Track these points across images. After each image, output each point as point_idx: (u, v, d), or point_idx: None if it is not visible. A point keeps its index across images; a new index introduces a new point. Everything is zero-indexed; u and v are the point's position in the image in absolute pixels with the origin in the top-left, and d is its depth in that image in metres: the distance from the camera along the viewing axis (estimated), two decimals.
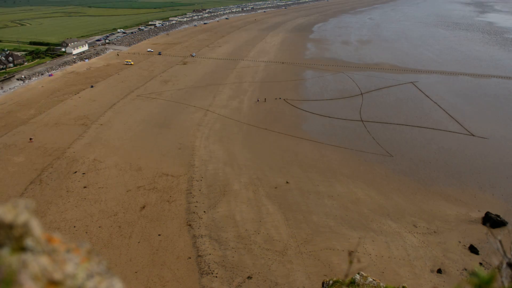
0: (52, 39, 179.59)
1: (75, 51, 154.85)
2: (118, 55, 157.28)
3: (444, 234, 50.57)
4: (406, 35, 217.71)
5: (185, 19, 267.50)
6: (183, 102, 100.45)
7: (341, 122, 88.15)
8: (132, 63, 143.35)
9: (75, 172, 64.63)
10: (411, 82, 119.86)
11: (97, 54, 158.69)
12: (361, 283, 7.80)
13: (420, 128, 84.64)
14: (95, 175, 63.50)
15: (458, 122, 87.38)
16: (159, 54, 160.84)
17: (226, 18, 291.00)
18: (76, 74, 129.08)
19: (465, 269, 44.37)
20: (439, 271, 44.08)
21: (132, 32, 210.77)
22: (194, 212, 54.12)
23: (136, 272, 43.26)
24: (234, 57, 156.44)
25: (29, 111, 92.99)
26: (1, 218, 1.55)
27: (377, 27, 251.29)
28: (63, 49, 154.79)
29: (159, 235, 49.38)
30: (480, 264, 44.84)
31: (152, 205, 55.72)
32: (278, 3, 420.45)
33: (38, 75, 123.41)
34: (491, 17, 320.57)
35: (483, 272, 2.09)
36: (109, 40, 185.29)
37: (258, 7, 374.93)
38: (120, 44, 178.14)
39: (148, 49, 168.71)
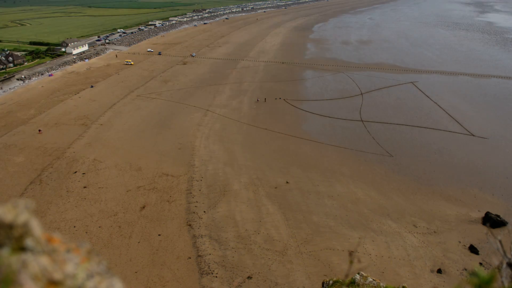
0: (52, 39, 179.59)
1: (75, 51, 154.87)
2: (116, 56, 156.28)
3: (444, 234, 50.58)
4: (406, 35, 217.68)
5: (185, 19, 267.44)
6: (183, 102, 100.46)
7: (341, 122, 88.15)
8: (132, 63, 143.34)
9: (75, 172, 64.64)
10: (411, 82, 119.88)
11: (97, 54, 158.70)
12: (361, 283, 7.80)
13: (420, 128, 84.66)
14: (95, 175, 63.51)
15: (458, 122, 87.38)
16: (159, 54, 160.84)
17: (226, 18, 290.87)
18: (76, 74, 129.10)
19: (465, 269, 44.38)
20: (439, 271, 44.08)
21: (132, 32, 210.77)
22: (194, 212, 54.12)
23: (136, 272, 43.27)
24: (234, 57, 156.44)
25: (29, 111, 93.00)
26: (1, 218, 1.55)
27: (377, 27, 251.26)
28: (63, 49, 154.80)
29: (159, 235, 49.39)
30: (480, 264, 44.84)
31: (152, 205, 55.72)
32: (278, 3, 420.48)
33: (38, 75, 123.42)
34: (491, 17, 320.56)
35: (483, 272, 2.09)
36: (109, 40, 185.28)
37: (258, 7, 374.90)
38: (120, 44, 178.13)
39: (148, 49, 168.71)
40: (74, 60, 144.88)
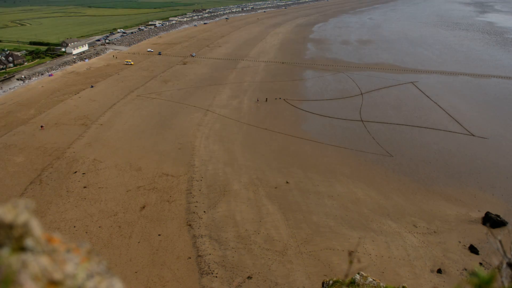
0: (52, 39, 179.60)
1: (75, 51, 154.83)
2: (115, 57, 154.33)
3: (444, 234, 50.59)
4: (406, 35, 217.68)
5: (185, 19, 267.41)
6: (183, 102, 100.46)
7: (341, 122, 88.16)
8: (132, 63, 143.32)
9: (75, 172, 64.64)
10: (411, 82, 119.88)
11: (97, 54, 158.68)
12: (361, 283, 7.80)
13: (420, 128, 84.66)
14: (95, 175, 63.51)
15: (458, 122, 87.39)
16: (159, 54, 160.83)
17: (226, 18, 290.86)
18: (76, 74, 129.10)
19: (465, 269, 44.38)
20: (439, 271, 44.09)
21: (132, 32, 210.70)
22: (194, 212, 54.12)
23: (136, 272, 43.27)
24: (234, 57, 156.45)
25: (29, 111, 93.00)
26: (1, 218, 1.55)
27: (377, 27, 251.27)
28: (63, 49, 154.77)
29: (159, 235, 49.39)
30: (480, 264, 44.84)
31: (152, 205, 55.72)
32: (278, 3, 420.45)
33: (38, 75, 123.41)
34: (491, 17, 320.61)
35: (483, 272, 2.09)
36: (109, 40, 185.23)
37: (258, 7, 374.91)
38: (120, 44, 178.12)
39: (148, 49, 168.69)
40: (74, 60, 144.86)
